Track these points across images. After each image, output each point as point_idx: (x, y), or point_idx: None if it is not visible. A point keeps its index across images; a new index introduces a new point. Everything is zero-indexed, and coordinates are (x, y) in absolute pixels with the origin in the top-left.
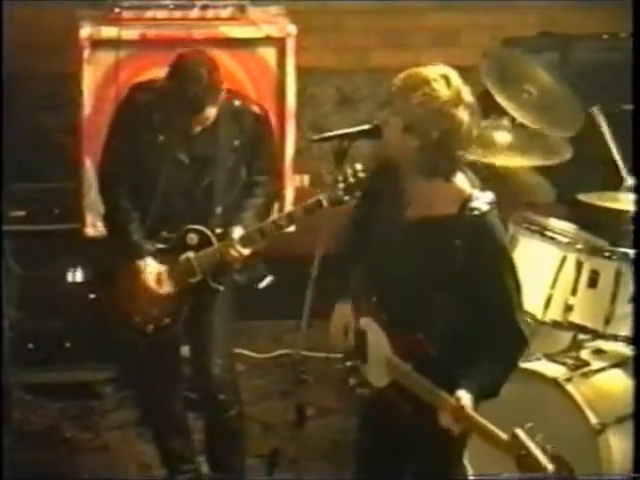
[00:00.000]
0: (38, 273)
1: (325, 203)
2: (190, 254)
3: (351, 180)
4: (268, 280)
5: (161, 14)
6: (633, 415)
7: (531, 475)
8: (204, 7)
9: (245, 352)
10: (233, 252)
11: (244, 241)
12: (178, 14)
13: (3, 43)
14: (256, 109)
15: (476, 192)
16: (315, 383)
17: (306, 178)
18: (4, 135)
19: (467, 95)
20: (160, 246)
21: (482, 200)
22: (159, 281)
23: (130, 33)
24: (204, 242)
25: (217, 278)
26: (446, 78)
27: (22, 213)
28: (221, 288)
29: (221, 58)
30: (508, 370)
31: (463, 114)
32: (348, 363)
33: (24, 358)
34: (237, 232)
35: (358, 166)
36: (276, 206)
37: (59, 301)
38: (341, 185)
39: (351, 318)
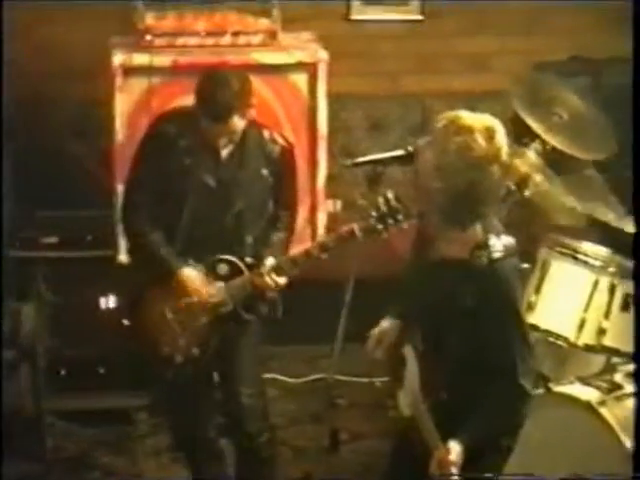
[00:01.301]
0: (71, 300)
1: (358, 233)
2: (221, 284)
3: (384, 209)
4: (281, 310)
5: (193, 41)
6: (634, 416)
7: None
8: (236, 33)
9: (278, 377)
10: (268, 281)
11: (277, 270)
12: (210, 41)
13: (3, 45)
14: (283, 142)
15: (491, 238)
16: (348, 407)
17: (338, 203)
18: (36, 161)
19: (505, 155)
20: None
21: (495, 247)
22: (204, 284)
23: (162, 60)
24: (234, 272)
25: (249, 308)
26: (491, 132)
27: (54, 240)
28: (252, 318)
29: (253, 84)
30: (507, 424)
31: (496, 172)
32: (389, 385)
33: (57, 385)
34: (270, 261)
35: (389, 194)
36: (308, 231)
37: (92, 327)
38: (374, 214)
39: (391, 335)
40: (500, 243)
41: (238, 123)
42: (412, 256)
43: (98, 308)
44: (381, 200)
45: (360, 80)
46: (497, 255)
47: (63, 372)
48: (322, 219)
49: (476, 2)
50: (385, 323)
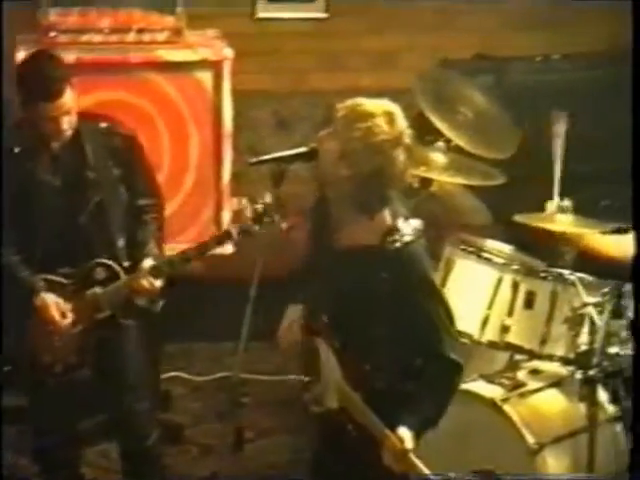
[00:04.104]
0: None
1: (234, 234)
2: (97, 289)
3: (259, 208)
4: (161, 303)
5: (97, 38)
6: (633, 415)
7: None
8: (140, 30)
9: (183, 375)
10: (145, 283)
11: (154, 273)
12: (114, 38)
13: (3, 45)
14: (124, 130)
15: (400, 222)
16: (254, 405)
17: (244, 201)
18: None
19: (408, 138)
20: (63, 281)
21: (404, 231)
22: (63, 314)
23: (66, 57)
24: (112, 276)
25: (127, 313)
26: (392, 116)
27: None
28: (130, 323)
29: (158, 81)
30: (445, 400)
31: (399, 155)
32: (305, 378)
33: None
34: (147, 263)
35: (266, 196)
36: (213, 230)
37: None
38: (249, 214)
39: (299, 320)
40: (409, 227)
41: (71, 100)
42: (311, 246)
43: None
44: (258, 200)
45: (266, 78)
46: (408, 238)
47: None
48: (227, 217)
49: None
50: (290, 309)
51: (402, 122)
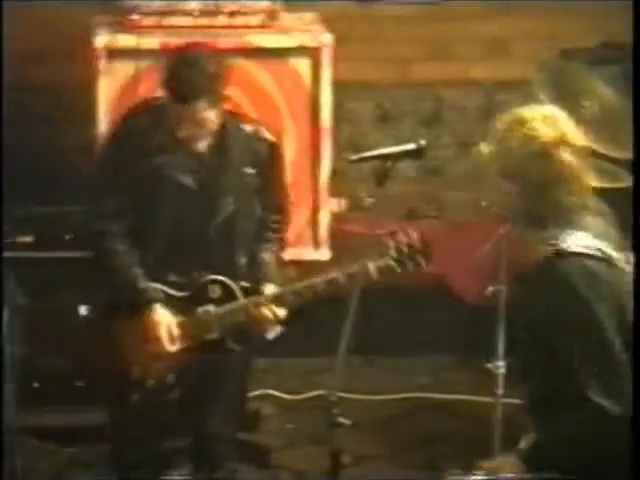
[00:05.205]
0: (47, 305)
1: (373, 272)
2: (211, 308)
3: (404, 250)
4: (278, 331)
5: (184, 21)
6: (632, 412)
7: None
8: (232, 14)
9: (275, 393)
10: (267, 312)
11: (278, 301)
12: (203, 21)
13: (3, 48)
14: (269, 136)
15: (569, 232)
16: (352, 427)
17: (343, 202)
18: (12, 152)
19: (575, 137)
20: (175, 293)
21: (567, 241)
22: (171, 335)
23: (150, 42)
24: (228, 296)
25: (237, 338)
26: (552, 119)
27: (29, 239)
28: (238, 349)
29: (250, 69)
30: (582, 444)
31: (568, 157)
32: None
33: (30, 398)
34: (269, 289)
35: (413, 234)
36: (309, 233)
37: (70, 336)
38: (393, 254)
39: None
40: (580, 241)
41: (206, 112)
42: None
43: (77, 314)
44: (403, 240)
45: (368, 67)
46: (565, 248)
47: (36, 384)
48: (325, 219)
49: None
50: None
51: (565, 123)
